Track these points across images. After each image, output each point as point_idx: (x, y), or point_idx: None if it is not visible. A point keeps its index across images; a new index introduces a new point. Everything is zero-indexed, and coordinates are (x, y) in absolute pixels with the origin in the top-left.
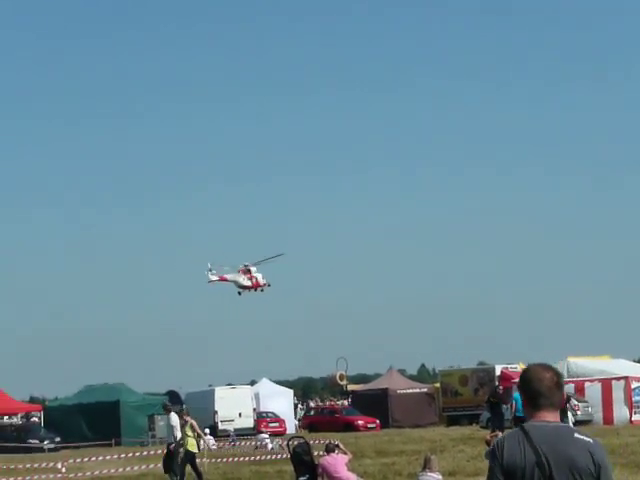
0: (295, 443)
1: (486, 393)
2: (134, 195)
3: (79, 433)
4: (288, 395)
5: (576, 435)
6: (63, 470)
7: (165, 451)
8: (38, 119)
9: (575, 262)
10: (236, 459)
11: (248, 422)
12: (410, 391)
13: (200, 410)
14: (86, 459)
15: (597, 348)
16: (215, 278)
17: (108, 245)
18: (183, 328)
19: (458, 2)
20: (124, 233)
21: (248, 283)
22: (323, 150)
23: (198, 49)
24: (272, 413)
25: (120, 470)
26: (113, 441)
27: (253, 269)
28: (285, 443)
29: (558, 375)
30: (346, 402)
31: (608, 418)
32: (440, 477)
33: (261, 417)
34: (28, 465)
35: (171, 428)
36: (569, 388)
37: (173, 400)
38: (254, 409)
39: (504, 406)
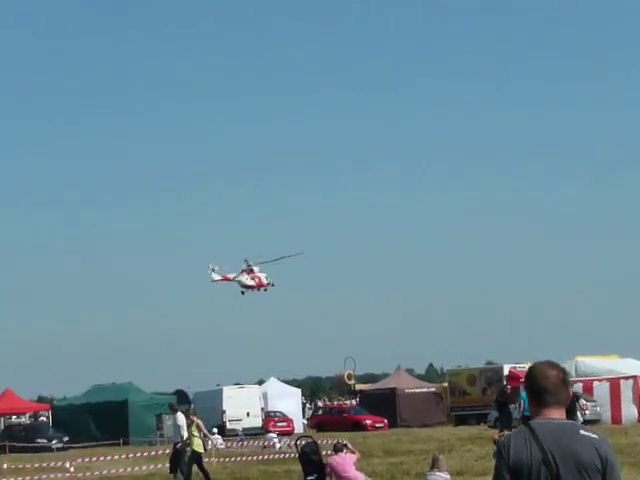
0: (303, 443)
1: (494, 393)
2: (134, 195)
3: (87, 433)
4: (296, 395)
5: (582, 432)
6: (71, 470)
7: (172, 451)
8: (38, 119)
9: (580, 262)
10: (244, 458)
11: (256, 422)
12: (418, 391)
13: (208, 410)
14: (94, 459)
15: (605, 347)
16: (218, 278)
17: (108, 245)
18: (191, 328)
19: (458, 2)
20: (124, 233)
21: (252, 283)
22: (323, 150)
23: (198, 49)
24: (280, 413)
25: (128, 470)
26: (121, 441)
27: (256, 269)
28: (293, 442)
29: (564, 372)
30: (354, 402)
31: (616, 417)
32: (448, 477)
33: (269, 417)
34: (36, 464)
35: (177, 428)
36: (577, 387)
37: (181, 400)
38: (262, 409)
39: (512, 405)
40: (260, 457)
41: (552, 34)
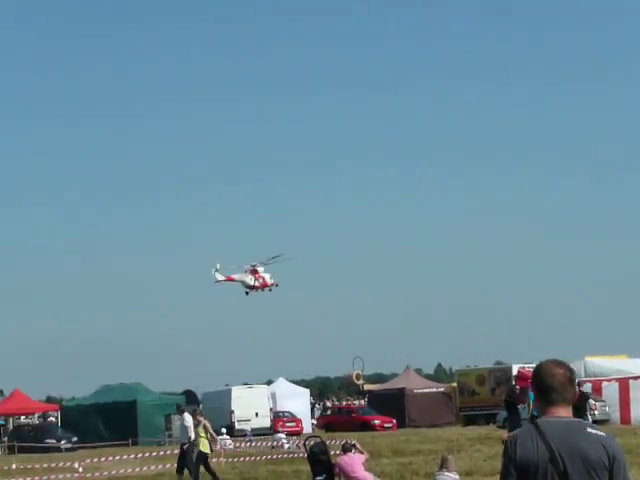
0: (312, 443)
1: (503, 393)
2: (134, 195)
3: (96, 433)
4: (305, 395)
5: (589, 429)
6: (80, 470)
7: (179, 451)
8: (38, 119)
9: (583, 261)
10: (253, 459)
11: (265, 422)
12: (427, 391)
13: (217, 410)
14: (103, 459)
15: (614, 347)
16: (222, 278)
17: (108, 245)
18: (199, 328)
19: (458, 2)
20: (124, 233)
21: (255, 283)
22: (323, 150)
23: (198, 49)
24: (289, 413)
25: (137, 470)
26: (130, 441)
27: (260, 269)
28: (302, 443)
29: (570, 371)
30: (363, 402)
31: (625, 418)
32: (457, 477)
33: (278, 417)
34: (45, 465)
35: (185, 428)
36: (586, 388)
37: (190, 400)
38: (271, 409)
39: (521, 405)
40: (269, 457)
41: (552, 34)
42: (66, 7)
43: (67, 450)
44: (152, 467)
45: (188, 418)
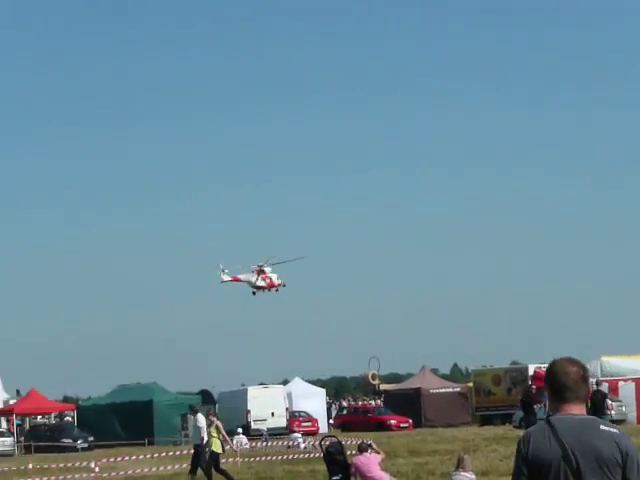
0: (328, 443)
1: (519, 393)
2: (134, 195)
3: (112, 432)
4: (321, 394)
5: (602, 427)
6: (96, 469)
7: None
8: (38, 119)
9: (595, 261)
10: (269, 458)
11: (281, 421)
12: (443, 391)
13: (233, 409)
14: (119, 458)
15: (631, 347)
16: (228, 278)
17: (108, 245)
18: (214, 328)
19: (458, 2)
20: (124, 233)
21: (262, 283)
22: (323, 150)
23: (198, 49)
24: (305, 412)
25: (153, 469)
26: (146, 440)
27: (267, 269)
28: (318, 442)
29: (584, 369)
30: (380, 402)
31: None
32: (473, 477)
33: (294, 416)
34: (62, 464)
35: (198, 429)
36: (603, 387)
37: (206, 400)
38: (287, 408)
39: (537, 405)
40: (285, 457)
41: (552, 34)
42: (66, 7)
43: (83, 450)
44: (168, 467)
45: (201, 419)
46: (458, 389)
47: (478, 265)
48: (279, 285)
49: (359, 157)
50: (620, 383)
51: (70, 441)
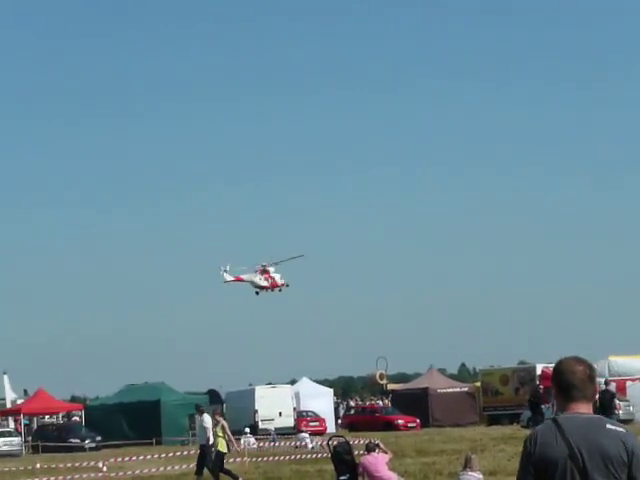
0: (335, 442)
1: (527, 392)
2: (134, 195)
3: (120, 432)
4: (328, 394)
5: (608, 426)
6: (104, 469)
7: (199, 452)
8: (38, 119)
9: (596, 261)
10: (276, 458)
11: (288, 421)
12: (450, 390)
13: (240, 409)
14: (127, 458)
15: (638, 347)
16: (231, 278)
17: (108, 245)
18: (221, 328)
19: (458, 2)
20: (124, 233)
21: (265, 283)
22: (323, 150)
23: (198, 49)
24: (312, 412)
25: (161, 469)
26: (154, 440)
27: (271, 269)
28: (325, 442)
29: (591, 368)
30: (388, 402)
31: None
32: (481, 476)
33: (301, 416)
34: (69, 464)
35: (203, 429)
36: (612, 387)
37: (213, 399)
38: (294, 408)
39: (546, 405)
40: (292, 457)
41: (552, 34)
42: (66, 7)
43: (91, 449)
44: (176, 467)
45: (207, 419)
46: (466, 389)
47: (483, 265)
48: (282, 285)
49: (359, 157)
50: (628, 383)
51: (78, 441)
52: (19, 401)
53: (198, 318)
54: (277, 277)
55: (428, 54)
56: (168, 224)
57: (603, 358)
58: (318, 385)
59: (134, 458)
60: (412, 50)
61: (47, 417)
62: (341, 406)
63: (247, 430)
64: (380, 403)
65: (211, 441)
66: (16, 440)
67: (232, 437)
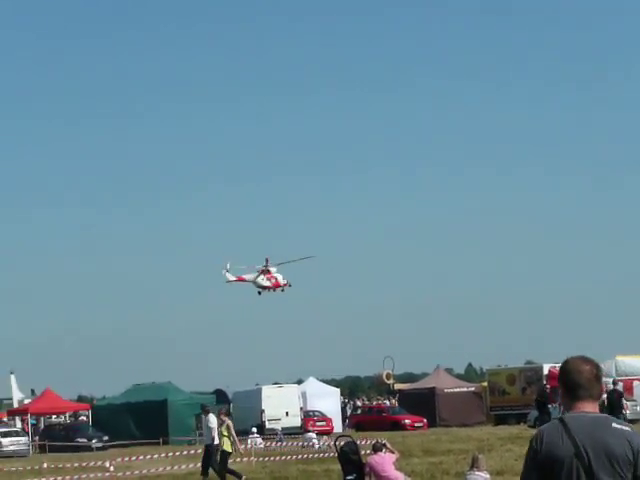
0: (342, 442)
1: (534, 392)
2: (134, 195)
3: (127, 432)
4: (335, 394)
5: (614, 425)
6: (111, 469)
7: (203, 453)
8: (38, 119)
9: (600, 261)
10: (283, 458)
11: (295, 421)
12: (457, 390)
13: (247, 409)
14: (134, 458)
15: None
16: (233, 278)
17: (108, 245)
18: (228, 328)
19: (458, 2)
20: (124, 233)
21: (267, 283)
22: (323, 150)
23: (198, 49)
24: (319, 412)
25: (168, 469)
26: (161, 440)
27: (273, 269)
28: (332, 442)
29: (597, 368)
30: (395, 401)
31: None
32: (488, 476)
33: (308, 416)
34: (76, 464)
35: (209, 430)
36: (620, 387)
37: (220, 399)
38: (301, 408)
39: (553, 405)
40: (299, 456)
41: (552, 34)
42: (66, 7)
43: (98, 449)
44: (183, 466)
45: (213, 419)
46: (473, 389)
47: (488, 264)
48: (285, 285)
49: (359, 157)
50: (635, 383)
51: (85, 440)
52: (26, 401)
53: (203, 318)
54: (279, 277)
55: (428, 54)
56: (168, 224)
57: (610, 358)
58: (325, 385)
59: (141, 458)
60: (412, 50)
61: (54, 417)
62: (348, 406)
63: (254, 430)
64: (387, 403)
65: (216, 441)
66: (23, 440)
67: (236, 438)
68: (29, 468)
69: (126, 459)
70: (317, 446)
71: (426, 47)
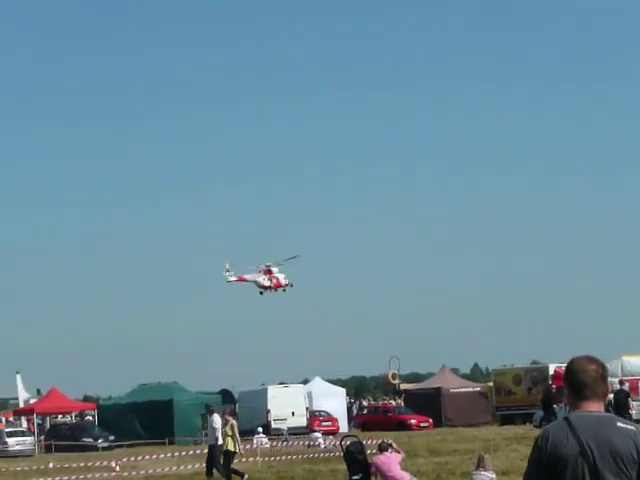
0: (348, 442)
1: (540, 392)
2: (134, 195)
3: (133, 432)
4: (341, 394)
5: (619, 424)
6: (117, 469)
7: (208, 453)
8: (38, 119)
9: (605, 261)
10: (289, 458)
11: (301, 421)
12: (463, 390)
13: (253, 409)
14: (140, 458)
15: None
16: (233, 278)
17: (108, 245)
18: (234, 327)
19: (458, 2)
20: (124, 233)
21: (269, 283)
22: (323, 150)
23: (198, 49)
24: (325, 412)
25: (174, 469)
26: (167, 440)
27: (275, 269)
28: (338, 442)
29: (603, 367)
30: (401, 401)
31: None
32: (494, 476)
33: (314, 416)
34: (82, 464)
35: (213, 430)
36: (626, 387)
37: (226, 399)
38: (307, 408)
39: (558, 405)
40: (305, 456)
41: (552, 34)
42: (66, 7)
43: (104, 449)
44: (189, 466)
45: (217, 419)
46: (478, 389)
47: (494, 264)
48: (286, 285)
49: (359, 157)
50: None
51: (91, 440)
52: (32, 400)
53: (208, 318)
54: (281, 277)
55: (428, 54)
56: (168, 224)
57: (616, 358)
58: (331, 385)
59: (147, 457)
60: (412, 50)
61: (60, 416)
62: (354, 406)
63: (260, 430)
64: (393, 403)
65: (220, 441)
66: (29, 440)
67: (239, 438)
68: (35, 468)
69: (132, 459)
70: (323, 446)
71: (426, 47)
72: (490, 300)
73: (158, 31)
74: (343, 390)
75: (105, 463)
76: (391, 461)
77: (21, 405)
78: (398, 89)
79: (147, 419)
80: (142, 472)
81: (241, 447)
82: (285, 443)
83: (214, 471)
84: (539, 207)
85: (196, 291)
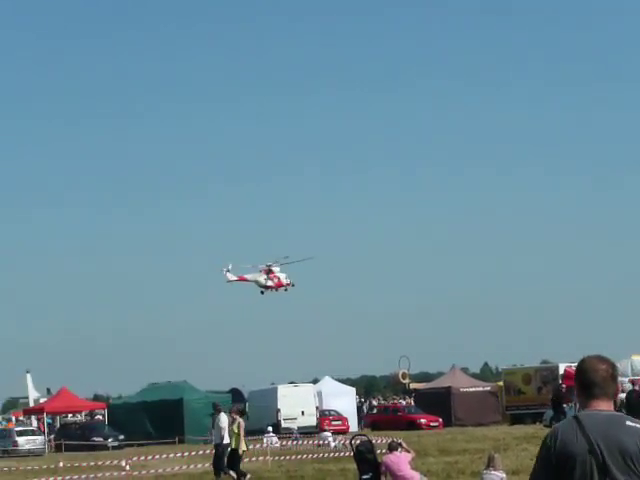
0: (358, 441)
1: (550, 392)
2: (134, 195)
3: (143, 431)
4: (351, 393)
5: (628, 423)
6: (127, 468)
7: (214, 453)
8: (38, 119)
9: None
10: (299, 457)
11: (311, 420)
12: (473, 390)
13: (263, 408)
14: (150, 457)
15: None
16: (234, 278)
17: (108, 245)
18: (244, 327)
19: (458, 2)
20: (124, 233)
21: (270, 283)
22: (323, 150)
23: (198, 49)
24: (335, 411)
25: (184, 468)
26: (177, 439)
27: (276, 269)
28: (348, 441)
29: (613, 367)
30: (411, 401)
31: None
32: (504, 475)
33: (324, 415)
34: (92, 463)
35: (220, 429)
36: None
37: (236, 398)
38: (317, 407)
39: (568, 404)
40: (315, 456)
41: (552, 34)
42: (66, 7)
43: (114, 448)
44: (199, 465)
45: (224, 419)
46: (488, 388)
47: (503, 263)
48: (288, 285)
49: (359, 157)
50: None
51: (101, 439)
52: (42, 400)
53: (215, 318)
54: (282, 277)
55: (428, 54)
56: (168, 224)
57: (626, 357)
58: (341, 384)
59: (157, 457)
60: (412, 50)
61: (70, 416)
62: (364, 405)
63: (270, 429)
64: (403, 402)
65: (226, 440)
66: (39, 439)
67: (243, 437)
68: (45, 467)
69: (142, 458)
70: (333, 445)
71: (426, 47)
72: (500, 300)
73: (158, 31)
74: (353, 389)
75: (115, 462)
76: (401, 460)
77: (31, 404)
78: (398, 89)
79: (157, 418)
80: (152, 471)
81: (242, 446)
82: (295, 442)
83: (221, 473)
84: (539, 207)
85: (198, 291)
